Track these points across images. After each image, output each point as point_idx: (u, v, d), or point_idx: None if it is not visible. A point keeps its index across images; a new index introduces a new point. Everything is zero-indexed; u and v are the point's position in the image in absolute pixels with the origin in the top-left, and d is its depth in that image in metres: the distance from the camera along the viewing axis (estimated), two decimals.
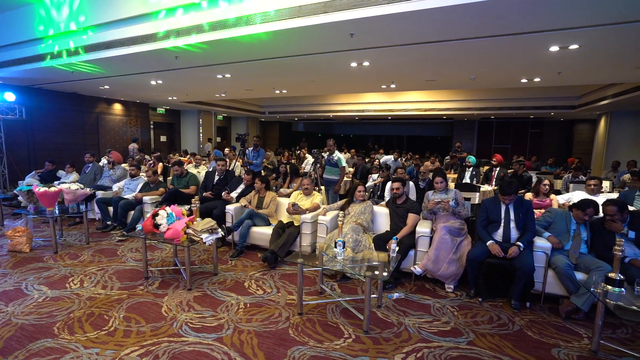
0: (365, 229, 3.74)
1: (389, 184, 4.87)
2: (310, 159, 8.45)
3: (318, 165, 5.84)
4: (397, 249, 2.98)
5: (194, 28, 4.41)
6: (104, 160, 7.44)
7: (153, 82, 7.68)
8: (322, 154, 5.83)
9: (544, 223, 3.32)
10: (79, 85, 8.14)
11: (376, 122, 19.06)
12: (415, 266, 3.40)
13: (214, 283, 3.45)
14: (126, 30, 4.95)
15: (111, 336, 2.53)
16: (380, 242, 3.53)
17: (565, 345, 2.51)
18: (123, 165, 6.88)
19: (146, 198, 5.05)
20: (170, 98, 10.64)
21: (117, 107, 10.93)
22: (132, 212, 5.05)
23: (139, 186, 5.41)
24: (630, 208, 3.71)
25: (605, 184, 5.79)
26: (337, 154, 5.52)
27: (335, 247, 2.91)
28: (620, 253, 2.38)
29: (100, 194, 5.46)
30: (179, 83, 7.99)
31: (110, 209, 5.25)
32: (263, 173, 6.60)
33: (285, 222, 4.19)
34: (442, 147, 16.89)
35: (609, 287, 2.31)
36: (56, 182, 5.48)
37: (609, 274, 2.37)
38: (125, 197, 5.30)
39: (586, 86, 9.83)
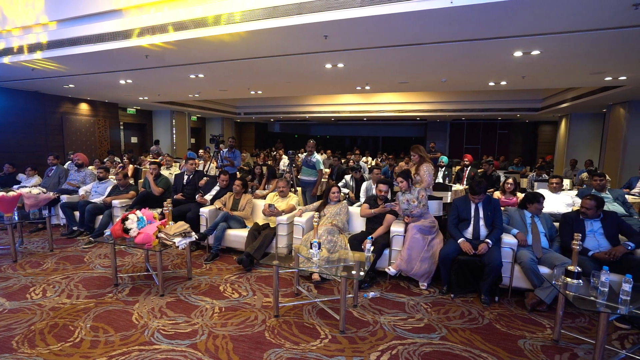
0: (340, 230, 3.78)
1: (364, 184, 4.94)
2: (286, 159, 8.42)
3: (294, 166, 5.83)
4: (372, 248, 3.03)
5: (165, 26, 4.29)
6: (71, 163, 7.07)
7: (122, 82, 7.39)
8: (298, 154, 5.82)
9: (505, 219, 3.48)
10: (41, 83, 7.70)
11: (352, 123, 19.26)
12: (390, 267, 3.47)
13: (187, 288, 3.36)
14: (93, 26, 4.74)
15: (77, 348, 2.41)
16: (356, 242, 3.57)
17: (530, 336, 2.65)
18: (90, 167, 6.58)
19: (116, 202, 4.85)
20: (141, 98, 10.26)
21: (84, 107, 10.42)
22: (101, 217, 4.83)
23: (108, 189, 5.19)
24: None
25: (566, 182, 6.16)
26: (316, 156, 5.53)
27: (311, 248, 2.92)
28: (578, 247, 2.54)
29: (65, 198, 5.19)
30: (150, 83, 7.73)
31: (77, 213, 5.00)
32: (239, 175, 6.51)
33: (261, 224, 4.16)
34: None
35: (568, 279, 2.46)
36: (15, 186, 5.16)
37: (569, 267, 2.52)
38: (92, 201, 5.07)
39: (548, 90, 10.40)
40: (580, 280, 2.43)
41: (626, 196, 4.17)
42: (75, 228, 5.00)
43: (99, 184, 5.35)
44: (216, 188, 4.84)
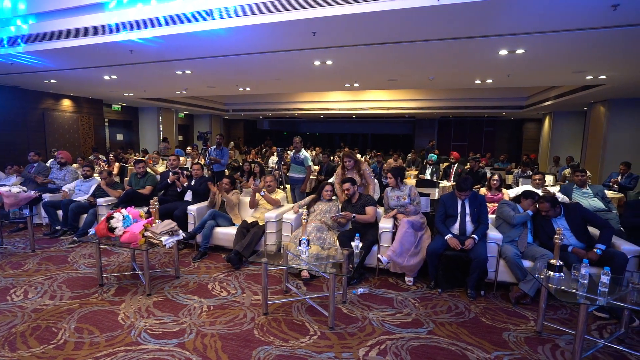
0: (329, 227, 3.78)
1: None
2: (275, 157, 8.38)
3: (283, 163, 5.81)
4: (360, 244, 3.05)
5: (148, 21, 4.20)
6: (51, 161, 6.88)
7: (106, 77, 7.21)
8: (288, 151, 5.80)
9: (512, 206, 3.53)
10: (21, 78, 7.45)
11: (341, 120, 19.29)
12: (381, 255, 3.46)
13: (175, 287, 3.32)
14: (73, 20, 4.60)
15: (60, 350, 2.36)
16: (345, 239, 3.58)
17: (514, 329, 2.71)
18: (73, 165, 6.42)
19: (100, 200, 4.75)
20: (126, 94, 10.05)
21: (66, 103, 10.13)
22: (85, 216, 4.73)
23: (92, 188, 5.08)
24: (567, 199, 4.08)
25: (549, 178, 6.32)
26: (304, 153, 5.51)
27: (300, 245, 2.92)
28: (559, 241, 2.61)
29: (47, 197, 5.05)
30: (136, 79, 7.56)
31: (60, 213, 4.87)
32: (227, 172, 6.45)
33: (249, 222, 4.13)
34: (405, 145, 17.49)
35: (550, 272, 2.53)
36: None
37: (551, 261, 2.58)
38: (76, 199, 4.95)
39: (532, 88, 10.62)
40: (562, 273, 2.50)
41: (605, 191, 4.31)
42: (58, 227, 4.88)
43: (83, 182, 5.22)
44: (193, 181, 4.80)
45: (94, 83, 8.01)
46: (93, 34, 4.56)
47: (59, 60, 5.77)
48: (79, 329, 2.60)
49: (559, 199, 4.07)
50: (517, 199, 3.64)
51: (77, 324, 2.66)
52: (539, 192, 4.21)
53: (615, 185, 5.83)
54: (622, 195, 5.44)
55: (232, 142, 13.10)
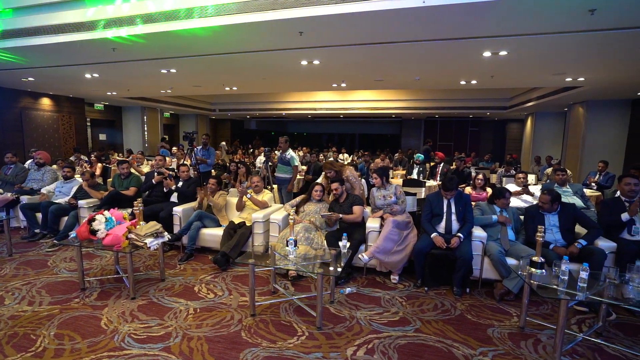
0: (317, 227, 3.78)
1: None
2: (262, 157, 8.33)
3: (270, 163, 5.78)
4: (347, 244, 3.06)
5: (131, 18, 4.11)
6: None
7: (88, 76, 7.03)
8: (275, 151, 5.76)
9: (479, 212, 3.62)
10: None
11: (329, 120, 19.32)
12: (363, 254, 3.47)
13: (160, 290, 3.26)
14: (53, 16, 4.46)
15: (39, 357, 2.28)
16: (333, 239, 3.58)
17: (498, 325, 2.77)
18: (53, 166, 6.23)
19: (82, 202, 4.62)
20: (109, 93, 9.81)
21: (46, 102, 9.81)
22: (65, 219, 4.59)
23: (73, 189, 4.94)
24: None
25: (531, 177, 6.48)
26: (290, 152, 5.48)
27: (287, 245, 2.91)
28: (541, 239, 2.68)
29: (25, 199, 4.88)
30: (119, 77, 7.39)
31: (39, 215, 4.72)
32: (213, 172, 6.37)
33: (236, 222, 4.09)
34: (392, 145, 17.65)
35: (533, 269, 2.59)
36: None
37: (533, 258, 2.65)
38: (56, 201, 4.80)
39: (515, 89, 10.88)
40: (544, 270, 2.57)
41: (584, 189, 4.45)
42: (37, 231, 4.72)
43: (64, 183, 5.07)
44: (180, 182, 4.72)
45: (75, 81, 7.78)
46: (73, 30, 4.43)
47: (37, 58, 5.59)
48: (59, 335, 2.52)
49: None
50: (491, 199, 3.70)
51: (57, 330, 2.58)
52: (517, 188, 4.34)
53: (593, 184, 6.02)
54: (599, 193, 5.62)
55: (223, 142, 12.85)
